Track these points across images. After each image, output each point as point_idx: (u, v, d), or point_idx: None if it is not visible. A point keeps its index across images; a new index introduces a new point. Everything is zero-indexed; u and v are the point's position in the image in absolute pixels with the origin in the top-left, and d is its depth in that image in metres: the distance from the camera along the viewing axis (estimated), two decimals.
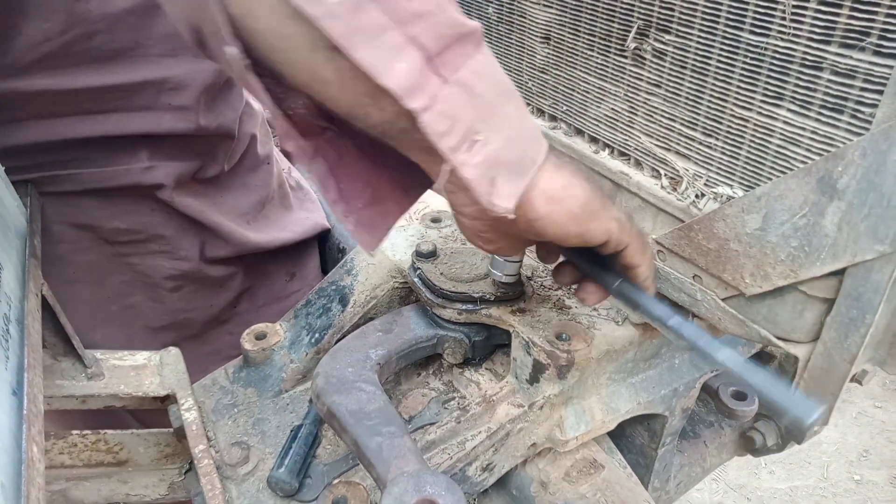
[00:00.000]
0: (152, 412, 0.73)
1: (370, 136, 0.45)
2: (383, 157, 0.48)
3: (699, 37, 0.47)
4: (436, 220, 0.82)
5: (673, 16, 0.48)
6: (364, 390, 0.59)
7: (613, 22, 0.53)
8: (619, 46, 0.54)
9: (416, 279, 0.70)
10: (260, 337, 0.75)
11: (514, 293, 0.66)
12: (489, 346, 0.70)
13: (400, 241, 0.80)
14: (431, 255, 0.72)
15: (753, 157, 0.47)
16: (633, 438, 0.78)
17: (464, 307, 0.66)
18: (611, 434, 0.70)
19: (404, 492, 0.46)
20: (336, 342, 0.71)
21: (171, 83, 0.79)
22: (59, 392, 0.68)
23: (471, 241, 0.52)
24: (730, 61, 0.46)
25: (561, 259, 0.57)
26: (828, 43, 0.39)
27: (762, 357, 0.85)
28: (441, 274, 0.69)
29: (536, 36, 0.63)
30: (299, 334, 0.75)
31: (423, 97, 0.38)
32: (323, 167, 0.46)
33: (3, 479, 0.38)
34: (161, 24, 0.77)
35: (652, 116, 0.53)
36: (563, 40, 0.60)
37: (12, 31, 0.69)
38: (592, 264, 0.54)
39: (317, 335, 0.74)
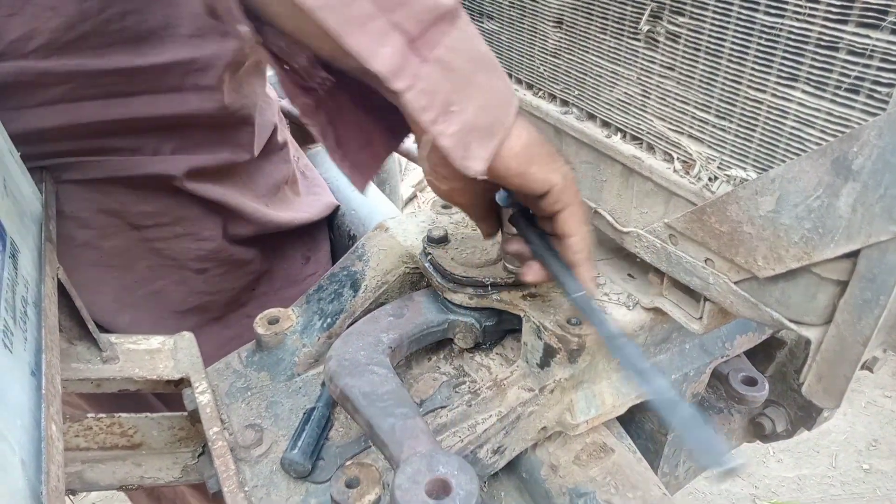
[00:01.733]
0: (175, 394, 0.74)
1: (361, 89, 0.50)
2: (373, 106, 0.54)
3: (713, 18, 0.47)
4: (446, 207, 0.82)
5: None
6: (376, 373, 0.59)
7: (627, 5, 0.53)
8: (632, 29, 0.54)
9: (427, 264, 0.70)
10: (273, 321, 0.76)
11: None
12: (500, 330, 0.71)
13: (411, 227, 0.81)
14: (442, 240, 0.72)
15: (767, 140, 0.46)
16: (642, 423, 0.79)
17: (475, 292, 0.67)
18: (620, 419, 0.70)
19: (417, 471, 0.46)
20: (348, 327, 0.72)
21: (197, 64, 0.80)
22: (75, 375, 0.69)
23: (426, 178, 0.56)
24: (744, 43, 0.45)
25: (514, 232, 0.61)
26: (844, 22, 0.39)
27: (772, 343, 0.85)
28: (452, 259, 0.69)
29: (549, 20, 0.63)
30: (311, 319, 0.76)
31: (406, 78, 0.43)
32: (324, 118, 0.53)
33: (24, 457, 0.39)
34: (190, 4, 0.77)
35: (665, 100, 0.53)
36: (576, 24, 0.59)
37: (51, 11, 0.70)
38: (545, 249, 0.57)
39: (328, 320, 0.75)
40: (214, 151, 0.89)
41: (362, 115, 0.55)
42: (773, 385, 0.86)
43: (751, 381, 0.81)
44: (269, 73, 1.01)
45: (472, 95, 0.47)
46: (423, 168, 0.54)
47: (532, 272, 0.59)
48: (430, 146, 0.47)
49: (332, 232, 1.20)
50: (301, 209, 1.07)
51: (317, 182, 1.18)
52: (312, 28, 0.42)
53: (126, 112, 0.79)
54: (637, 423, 0.78)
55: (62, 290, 0.67)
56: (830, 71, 0.40)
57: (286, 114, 1.16)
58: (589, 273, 0.56)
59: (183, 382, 0.72)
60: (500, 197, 0.60)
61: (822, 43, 0.40)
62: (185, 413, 0.71)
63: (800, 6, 0.41)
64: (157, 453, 0.74)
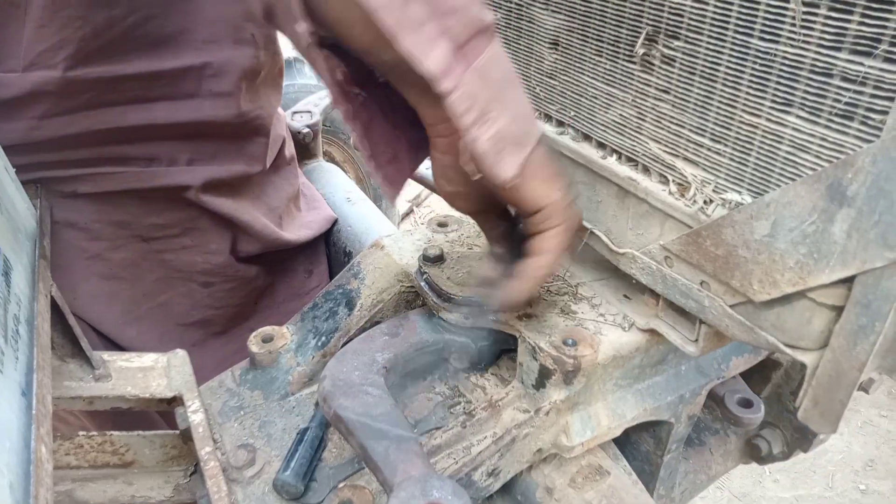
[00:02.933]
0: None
1: (388, 104, 0.54)
2: (400, 123, 0.57)
3: (708, 43, 0.47)
4: (442, 225, 0.82)
5: (682, 22, 0.48)
6: (370, 394, 0.59)
7: (622, 28, 0.54)
8: (627, 52, 0.54)
9: (422, 283, 0.70)
10: (267, 339, 0.75)
11: None
12: (495, 351, 0.70)
13: (407, 245, 0.81)
14: (438, 259, 0.72)
15: (762, 164, 0.47)
16: (638, 445, 0.78)
17: (470, 311, 0.66)
18: (616, 440, 0.70)
19: (411, 496, 0.46)
20: (342, 346, 0.72)
21: (212, 69, 0.82)
22: (67, 393, 0.69)
23: (435, 179, 0.58)
24: (739, 67, 0.46)
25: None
26: (838, 49, 0.39)
27: (768, 365, 0.85)
28: (447, 278, 0.69)
29: (544, 41, 0.63)
30: (306, 337, 0.76)
31: (451, 80, 0.46)
32: (360, 129, 0.56)
33: (12, 479, 0.38)
34: (207, 9, 0.79)
35: (660, 122, 0.54)
36: (572, 46, 0.60)
37: (81, 21, 0.71)
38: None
39: (323, 338, 0.74)
40: (229, 162, 0.90)
41: (390, 129, 0.58)
42: (768, 407, 0.85)
43: (747, 403, 0.80)
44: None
45: (507, 106, 0.49)
46: (435, 169, 0.57)
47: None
48: (467, 146, 0.50)
49: (329, 247, 1.20)
50: (304, 226, 1.08)
51: (315, 197, 1.19)
52: (367, 29, 0.44)
53: (145, 118, 0.80)
54: (633, 444, 0.78)
55: (54, 307, 0.67)
56: (824, 97, 0.41)
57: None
58: (519, 292, 0.57)
59: (175, 401, 0.71)
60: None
61: (817, 69, 0.41)
62: (178, 432, 0.70)
63: (794, 33, 0.41)
64: (149, 472, 0.74)
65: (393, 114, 0.57)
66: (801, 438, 0.85)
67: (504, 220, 0.64)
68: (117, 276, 0.88)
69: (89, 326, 0.89)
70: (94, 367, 0.70)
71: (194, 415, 0.67)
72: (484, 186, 0.54)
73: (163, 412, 0.79)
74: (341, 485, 0.60)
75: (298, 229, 1.07)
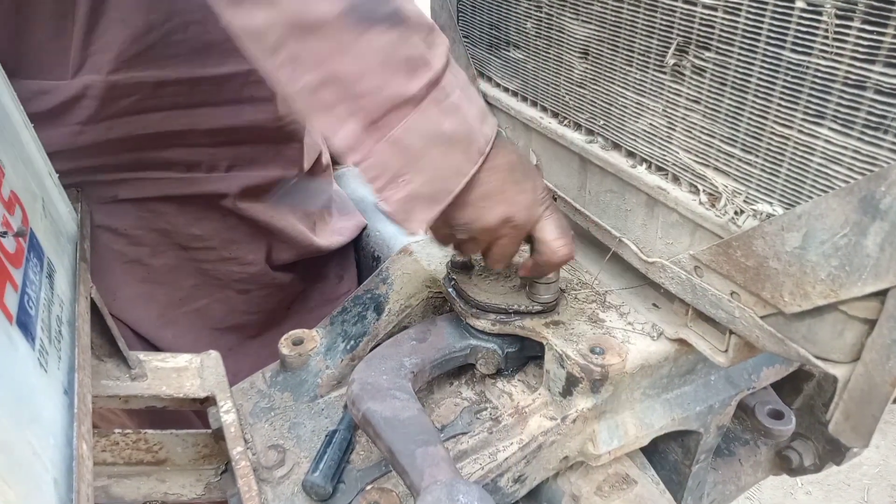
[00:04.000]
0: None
1: None
2: None
3: (739, 54, 0.47)
4: None
5: (713, 33, 0.48)
6: (398, 398, 0.60)
7: (652, 38, 0.54)
8: (657, 62, 0.54)
9: (450, 290, 0.71)
10: (297, 342, 0.77)
11: (549, 306, 0.67)
12: (522, 357, 0.71)
13: (435, 251, 0.81)
14: (466, 266, 0.72)
15: (794, 175, 0.46)
16: (666, 454, 0.78)
17: (497, 318, 0.67)
18: (643, 450, 0.70)
19: (437, 500, 0.46)
20: (370, 350, 0.73)
21: (255, 75, 0.83)
22: (104, 392, 0.71)
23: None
24: (770, 79, 0.45)
25: None
26: (872, 62, 0.39)
27: (800, 375, 0.84)
28: (475, 285, 0.70)
29: (575, 51, 0.63)
30: (335, 341, 0.77)
31: (359, 154, 0.53)
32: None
33: (56, 475, 0.40)
34: None
35: (690, 132, 0.53)
36: (602, 56, 0.60)
37: (121, 24, 0.73)
38: None
39: (352, 342, 0.75)
40: (267, 168, 0.92)
41: None
42: (800, 418, 0.84)
43: (777, 415, 0.79)
44: None
45: (422, 169, 0.54)
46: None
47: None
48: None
49: (357, 252, 1.21)
50: (336, 232, 1.10)
51: (346, 203, 1.21)
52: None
53: (187, 123, 0.82)
54: (661, 453, 0.77)
55: (93, 309, 0.69)
56: (858, 109, 0.40)
57: None
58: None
59: (208, 401, 0.73)
60: None
61: (850, 81, 0.40)
62: (209, 431, 0.72)
63: (827, 45, 0.41)
64: (181, 470, 0.75)
65: None
66: (834, 451, 0.84)
67: None
68: (156, 280, 0.91)
69: (127, 327, 0.91)
70: (130, 366, 0.72)
71: (226, 415, 0.69)
72: None
73: (196, 412, 0.81)
74: (368, 487, 0.61)
75: (331, 236, 1.08)
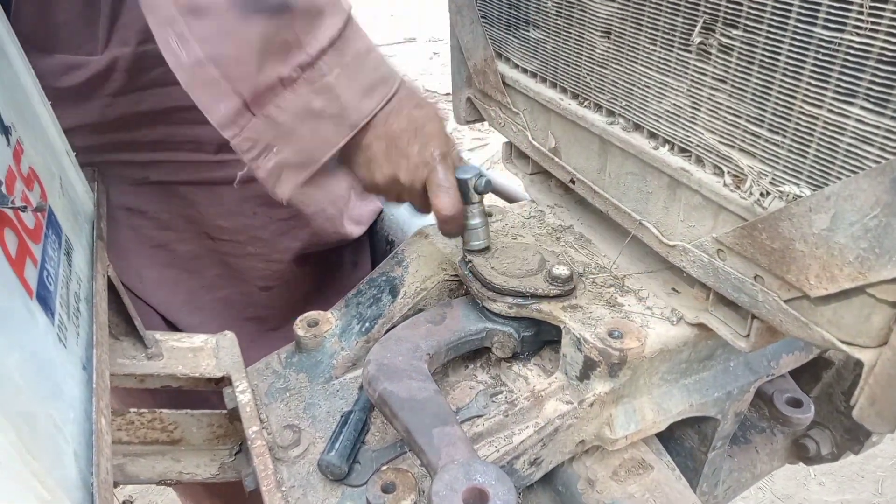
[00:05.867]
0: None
1: None
2: None
3: (768, 32, 0.46)
4: (488, 214, 0.82)
5: (741, 10, 0.47)
6: (415, 379, 0.59)
7: (678, 16, 0.53)
8: (683, 41, 0.53)
9: (467, 272, 0.70)
10: (312, 324, 0.76)
11: (566, 289, 0.66)
12: (538, 341, 0.70)
13: None
14: (483, 248, 0.72)
15: (823, 156, 0.45)
16: (682, 441, 0.77)
17: (514, 301, 0.66)
18: (659, 435, 0.69)
19: (455, 479, 0.46)
20: (386, 332, 0.72)
21: None
22: (120, 370, 0.71)
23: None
24: (800, 57, 0.44)
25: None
26: None
27: (819, 363, 0.83)
28: (492, 268, 0.69)
29: (596, 30, 0.62)
30: (350, 323, 0.77)
31: (234, 129, 0.59)
32: None
33: (76, 448, 0.40)
34: None
35: (716, 112, 0.52)
36: (625, 35, 0.59)
37: None
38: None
39: (367, 324, 0.75)
40: None
41: None
42: (818, 406, 0.83)
43: (796, 403, 0.78)
44: None
45: (291, 141, 0.60)
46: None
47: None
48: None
49: (371, 236, 1.21)
50: (356, 220, 1.11)
51: None
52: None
53: None
54: (676, 439, 0.77)
55: (110, 287, 0.69)
56: (892, 87, 0.39)
57: None
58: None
59: (224, 381, 0.73)
60: (463, 170, 0.68)
61: (885, 59, 0.39)
62: (224, 411, 0.72)
63: (861, 20, 0.40)
64: (196, 450, 0.76)
65: None
66: (853, 440, 0.83)
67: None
68: (181, 266, 0.92)
69: (155, 312, 0.92)
70: (147, 345, 0.73)
71: (242, 395, 0.69)
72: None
73: (210, 392, 0.82)
74: (384, 467, 0.61)
75: (353, 224, 1.08)
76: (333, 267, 1.10)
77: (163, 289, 0.90)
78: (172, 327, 0.94)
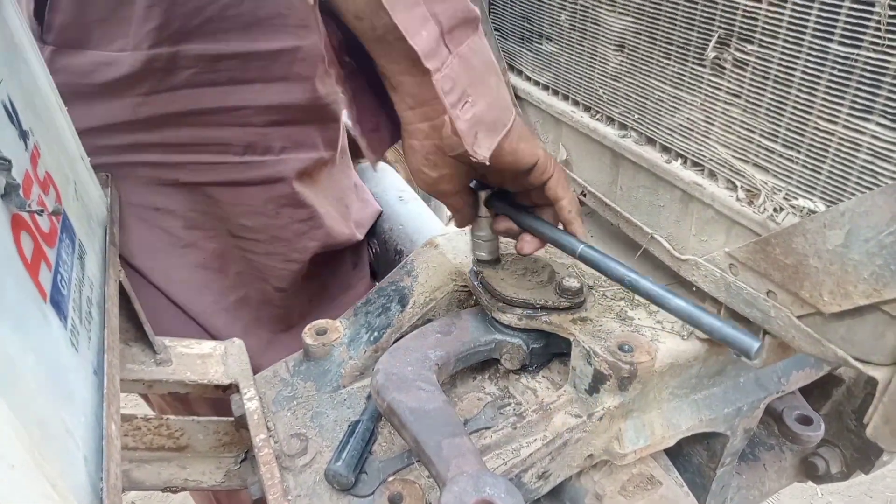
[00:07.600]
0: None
1: (377, 80, 0.58)
2: (383, 101, 0.60)
3: (784, 47, 0.46)
4: None
5: (756, 25, 0.47)
6: (423, 389, 0.59)
7: (692, 30, 0.53)
8: (697, 55, 0.53)
9: (476, 283, 0.70)
10: (321, 332, 0.76)
11: (576, 301, 0.66)
12: (547, 353, 0.70)
13: (461, 245, 0.81)
14: (493, 260, 0.72)
15: (837, 172, 0.45)
16: (690, 457, 0.76)
17: (524, 313, 0.66)
18: (667, 451, 0.69)
19: (464, 491, 0.46)
20: (394, 342, 0.72)
21: (301, 52, 0.86)
22: (129, 376, 0.71)
23: (415, 169, 0.61)
24: (816, 72, 0.44)
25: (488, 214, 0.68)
26: None
27: (829, 381, 0.82)
28: (502, 279, 0.69)
29: (610, 44, 0.62)
30: (358, 332, 0.76)
31: (437, 60, 0.51)
32: (348, 94, 0.61)
33: (86, 453, 0.40)
34: None
35: (730, 127, 0.52)
36: (639, 48, 0.59)
37: None
38: (527, 216, 0.64)
39: (375, 333, 0.75)
40: (313, 149, 0.95)
41: (374, 103, 0.62)
42: (828, 424, 0.83)
43: (806, 420, 0.78)
44: None
45: (484, 93, 0.54)
46: (414, 159, 0.60)
47: (528, 243, 0.65)
48: (446, 124, 0.55)
49: (379, 245, 1.21)
50: (358, 223, 1.12)
51: (363, 188, 1.22)
52: (367, 3, 0.49)
53: (241, 100, 0.84)
54: (685, 456, 0.76)
55: (121, 293, 0.69)
56: None
57: None
58: (582, 229, 0.62)
59: (231, 388, 0.73)
60: (475, 184, 0.66)
61: None
62: (231, 418, 0.72)
63: (879, 37, 0.40)
64: (202, 457, 0.75)
65: (377, 90, 0.60)
66: (863, 459, 0.82)
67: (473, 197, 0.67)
68: (208, 265, 0.92)
69: (182, 312, 0.92)
70: (156, 351, 0.73)
71: (249, 402, 0.69)
72: (465, 164, 0.59)
73: (215, 400, 0.82)
74: (391, 478, 0.60)
75: (355, 226, 1.09)
76: (337, 268, 1.10)
77: (190, 289, 0.91)
78: (202, 330, 0.94)
